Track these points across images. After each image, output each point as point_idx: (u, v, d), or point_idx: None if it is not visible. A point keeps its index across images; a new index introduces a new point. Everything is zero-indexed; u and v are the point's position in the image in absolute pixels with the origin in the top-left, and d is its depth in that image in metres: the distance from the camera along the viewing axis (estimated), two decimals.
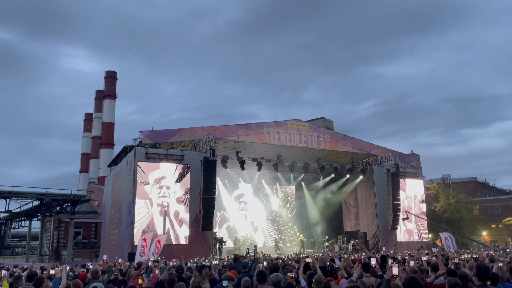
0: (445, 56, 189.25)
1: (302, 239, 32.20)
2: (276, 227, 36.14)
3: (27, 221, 42.22)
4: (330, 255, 17.71)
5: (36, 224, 45.49)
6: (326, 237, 32.71)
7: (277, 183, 36.08)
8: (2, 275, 8.89)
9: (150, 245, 21.39)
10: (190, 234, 24.52)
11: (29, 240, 42.60)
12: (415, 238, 33.08)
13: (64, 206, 36.84)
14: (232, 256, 17.73)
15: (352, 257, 15.83)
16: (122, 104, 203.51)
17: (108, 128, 62.29)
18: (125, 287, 8.00)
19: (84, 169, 72.46)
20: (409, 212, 33.02)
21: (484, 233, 49.29)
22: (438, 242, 34.88)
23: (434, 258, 10.04)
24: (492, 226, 53.39)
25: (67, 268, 12.21)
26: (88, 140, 73.15)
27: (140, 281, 6.78)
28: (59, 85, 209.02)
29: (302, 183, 36.06)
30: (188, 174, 24.99)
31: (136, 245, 21.64)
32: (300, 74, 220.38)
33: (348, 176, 33.36)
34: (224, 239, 29.05)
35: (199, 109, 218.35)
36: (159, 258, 17.40)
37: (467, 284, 5.58)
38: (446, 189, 46.90)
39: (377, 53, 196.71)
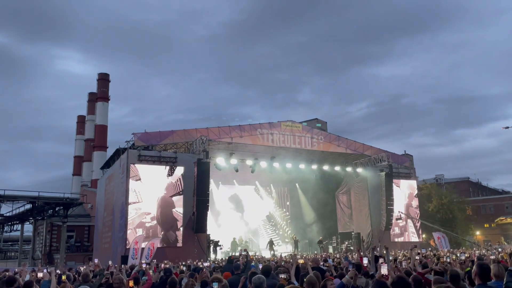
0: (438, 57, 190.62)
1: (295, 239, 32.19)
2: (270, 228, 36.11)
3: (19, 225, 41.90)
4: (323, 256, 17.72)
5: (28, 227, 45.21)
6: (321, 237, 32.75)
7: (271, 184, 36.12)
8: None
9: (143, 248, 21.29)
10: (183, 236, 24.41)
11: (21, 244, 42.26)
12: (408, 238, 33.23)
13: (56, 209, 36.58)
14: (227, 258, 17.65)
15: (345, 258, 15.82)
16: (116, 106, 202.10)
17: (101, 130, 61.86)
18: None
19: (77, 172, 71.89)
20: (402, 213, 33.24)
21: (478, 232, 49.65)
22: (431, 242, 35.07)
23: (424, 259, 10.16)
24: (485, 225, 53.82)
25: (58, 272, 12.05)
26: (81, 142, 72.56)
27: (131, 283, 6.70)
28: (52, 87, 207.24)
29: (296, 184, 36.09)
30: (182, 176, 24.91)
31: (129, 248, 21.54)
32: (294, 76, 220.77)
33: (342, 177, 33.42)
34: (220, 243, 28.74)
35: (193, 110, 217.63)
36: (153, 261, 17.27)
37: (458, 284, 5.60)
38: (439, 189, 47.23)
39: (371, 54, 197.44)
